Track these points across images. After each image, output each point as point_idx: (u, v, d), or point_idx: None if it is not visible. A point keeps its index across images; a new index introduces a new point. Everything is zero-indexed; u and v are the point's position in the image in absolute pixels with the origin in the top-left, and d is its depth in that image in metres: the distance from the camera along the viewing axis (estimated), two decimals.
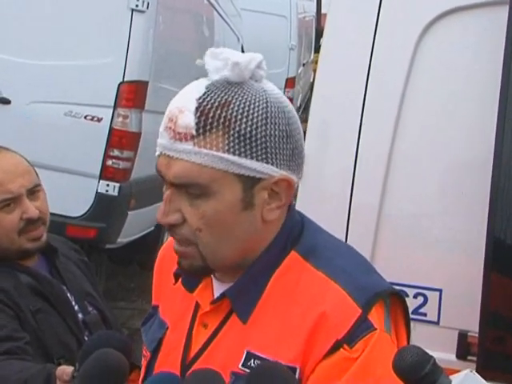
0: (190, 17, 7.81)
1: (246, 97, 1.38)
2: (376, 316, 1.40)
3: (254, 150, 1.37)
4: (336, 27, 2.99)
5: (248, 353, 1.42)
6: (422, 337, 2.70)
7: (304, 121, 3.35)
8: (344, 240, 2.73)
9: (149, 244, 7.08)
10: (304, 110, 14.60)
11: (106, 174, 5.82)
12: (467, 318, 2.61)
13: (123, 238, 6.23)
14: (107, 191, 5.82)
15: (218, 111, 1.36)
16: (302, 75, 15.01)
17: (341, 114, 2.90)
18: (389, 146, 2.80)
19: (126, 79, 5.78)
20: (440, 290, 2.69)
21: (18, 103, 5.82)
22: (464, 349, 2.65)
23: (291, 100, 13.46)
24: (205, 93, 1.38)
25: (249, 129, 1.36)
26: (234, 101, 1.37)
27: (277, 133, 1.39)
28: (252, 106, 1.37)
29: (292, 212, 1.53)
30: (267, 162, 1.38)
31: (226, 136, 1.36)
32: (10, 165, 2.25)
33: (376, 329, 1.38)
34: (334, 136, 2.90)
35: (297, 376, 1.37)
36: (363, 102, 2.83)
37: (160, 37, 6.20)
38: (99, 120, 5.81)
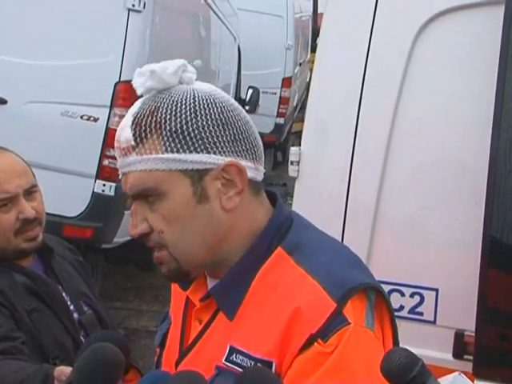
0: (186, 17, 7.81)
1: (173, 98, 1.45)
2: (352, 311, 1.41)
3: (190, 143, 1.43)
4: (332, 27, 2.99)
5: (231, 347, 1.45)
6: (418, 336, 2.71)
7: (301, 120, 3.34)
8: (340, 239, 2.73)
9: (145, 244, 7.08)
10: (301, 110, 14.61)
11: (102, 173, 5.81)
12: (464, 317, 2.61)
13: (119, 238, 6.22)
14: (103, 191, 5.81)
15: (149, 118, 1.44)
16: (298, 75, 15.00)
17: (337, 113, 2.90)
18: (385, 145, 2.80)
19: (122, 79, 5.77)
20: (436, 290, 2.70)
21: (15, 103, 5.81)
22: (460, 348, 2.65)
23: (287, 100, 13.46)
24: (139, 107, 1.47)
25: (179, 125, 1.43)
26: (162, 105, 1.44)
27: (210, 122, 1.44)
28: (179, 105, 1.44)
29: (279, 208, 1.55)
30: (208, 152, 1.44)
31: (161, 138, 1.43)
32: (7, 164, 2.25)
33: (350, 323, 1.39)
34: (331, 135, 2.90)
35: (273, 370, 1.40)
36: (360, 102, 2.83)
37: (157, 36, 6.19)
38: (95, 120, 5.80)
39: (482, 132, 2.60)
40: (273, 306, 1.44)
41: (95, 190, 5.81)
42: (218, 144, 1.45)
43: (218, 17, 9.07)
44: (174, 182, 1.44)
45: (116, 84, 5.76)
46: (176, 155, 1.43)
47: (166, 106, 1.44)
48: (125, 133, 1.46)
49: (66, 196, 5.65)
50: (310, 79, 3.14)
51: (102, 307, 2.43)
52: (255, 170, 1.50)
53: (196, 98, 1.46)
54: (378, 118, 2.84)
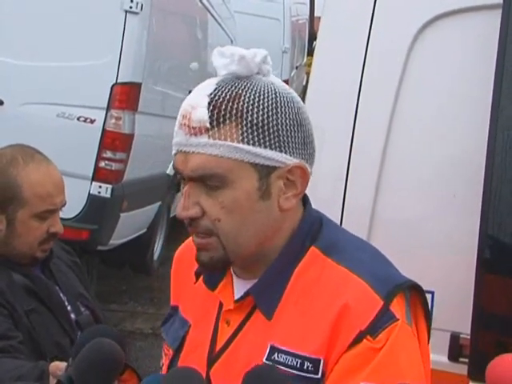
0: (183, 19, 7.82)
1: (255, 89, 1.43)
2: (398, 307, 1.43)
3: (267, 138, 1.42)
4: (330, 30, 2.99)
5: (272, 347, 1.45)
6: None
7: None
8: None
9: (141, 246, 7.08)
10: None
11: (98, 175, 5.82)
12: (459, 320, 2.61)
13: (115, 240, 6.23)
14: (100, 193, 5.82)
15: (230, 103, 1.41)
16: (295, 78, 15.02)
17: (334, 115, 2.90)
18: (381, 149, 2.81)
19: (119, 81, 5.79)
20: (432, 293, 2.69)
21: (11, 104, 5.82)
22: (456, 351, 2.65)
23: None
24: (215, 89, 1.44)
25: (260, 118, 1.42)
26: (244, 93, 1.43)
27: (288, 121, 1.44)
28: (262, 97, 1.43)
29: (309, 208, 1.57)
30: (280, 151, 1.43)
31: (240, 127, 1.41)
32: (58, 179, 2.33)
33: (398, 319, 1.41)
34: (327, 139, 2.91)
35: (321, 367, 1.41)
36: (357, 105, 2.84)
37: (153, 38, 6.20)
38: (92, 121, 5.81)
39: (480, 135, 2.60)
40: (316, 303, 1.45)
41: (91, 192, 5.82)
42: (290, 144, 1.45)
43: (215, 19, 9.09)
44: (243, 174, 1.43)
45: (113, 86, 5.77)
46: (251, 148, 1.42)
47: (248, 95, 1.42)
48: (199, 112, 1.42)
49: None
50: (307, 82, 3.15)
51: (98, 308, 2.44)
52: (310, 175, 1.50)
53: (277, 94, 1.45)
54: (375, 120, 2.84)
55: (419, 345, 1.49)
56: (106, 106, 5.79)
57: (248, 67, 1.44)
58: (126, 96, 5.85)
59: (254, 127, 1.41)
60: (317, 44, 3.06)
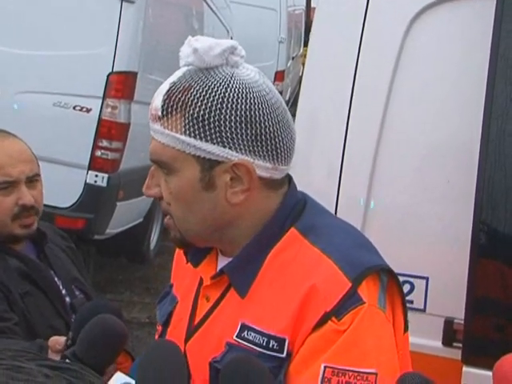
0: (179, 9, 7.81)
1: (207, 82, 1.44)
2: (367, 291, 1.43)
3: (208, 132, 1.43)
4: (325, 20, 3.00)
5: (242, 324, 1.47)
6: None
7: (293, 115, 3.34)
8: None
9: (137, 236, 7.09)
10: (293, 104, 14.62)
11: (94, 164, 5.83)
12: (453, 305, 2.63)
13: (112, 229, 6.23)
14: (96, 182, 5.83)
15: (180, 95, 1.44)
16: (291, 69, 15.01)
17: (329, 106, 2.91)
18: (376, 140, 2.81)
19: (115, 70, 5.78)
20: (426, 278, 2.71)
21: (7, 93, 5.82)
22: (450, 336, 2.67)
23: (280, 93, 13.43)
24: (178, 78, 1.47)
25: (202, 112, 1.42)
26: (195, 85, 1.44)
27: (233, 117, 1.43)
28: (210, 91, 1.43)
29: (292, 191, 1.57)
30: (223, 146, 1.44)
31: (183, 119, 1.44)
32: (14, 150, 2.29)
33: (364, 302, 1.41)
34: (322, 130, 2.92)
35: (286, 347, 1.42)
36: (351, 97, 2.84)
37: (149, 28, 6.20)
38: (88, 111, 5.81)
39: (474, 122, 2.62)
40: (287, 283, 1.46)
41: (87, 181, 5.83)
42: (235, 140, 1.44)
43: (211, 9, 9.08)
44: (186, 164, 1.46)
45: (109, 75, 5.77)
46: (192, 140, 1.44)
47: (197, 87, 1.44)
48: (157, 100, 1.47)
49: (58, 187, 5.65)
50: (303, 73, 3.16)
51: (93, 292, 2.45)
52: (273, 170, 1.49)
53: (229, 88, 1.44)
54: (369, 111, 2.85)
55: (394, 331, 1.48)
56: (102, 95, 5.79)
57: (201, 60, 1.44)
58: (122, 85, 5.85)
59: (195, 120, 1.43)
60: (311, 34, 3.07)
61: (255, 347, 1.44)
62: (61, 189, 5.66)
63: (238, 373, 1.26)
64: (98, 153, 5.82)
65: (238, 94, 1.44)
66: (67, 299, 2.31)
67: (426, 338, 2.69)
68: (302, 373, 1.41)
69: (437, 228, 2.73)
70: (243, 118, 1.43)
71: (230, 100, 1.43)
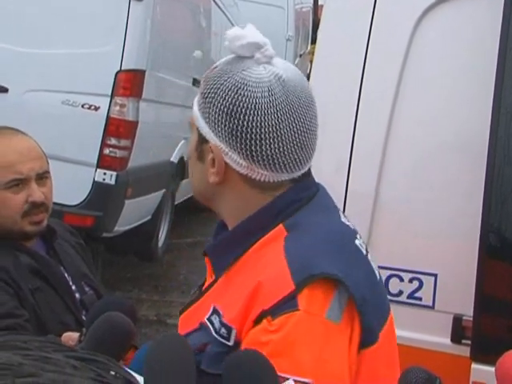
0: (187, 7, 7.82)
1: (223, 67, 1.55)
2: (307, 298, 1.41)
3: (204, 111, 1.55)
4: (332, 18, 3.00)
5: (214, 308, 1.52)
6: (417, 321, 2.73)
7: None
8: None
9: (145, 233, 7.10)
10: None
11: (103, 162, 5.84)
12: (462, 302, 2.63)
13: (120, 227, 6.25)
14: (104, 180, 5.84)
15: (209, 70, 1.59)
16: (299, 66, 14.98)
17: (336, 104, 2.91)
18: (384, 136, 2.82)
19: (123, 68, 5.79)
20: (435, 275, 2.71)
21: (16, 92, 5.83)
22: (458, 333, 2.67)
23: None
24: (224, 59, 1.60)
25: (205, 91, 1.55)
26: (218, 66, 1.57)
27: (220, 106, 1.52)
28: (218, 75, 1.54)
29: (289, 191, 1.56)
30: (209, 128, 1.54)
31: (200, 90, 1.59)
32: (23, 147, 2.30)
33: (299, 310, 1.40)
34: (330, 127, 2.92)
35: (233, 336, 1.46)
36: (359, 93, 2.85)
37: (157, 26, 6.21)
38: (96, 109, 5.82)
39: (482, 120, 2.61)
40: (250, 275, 1.49)
41: (96, 179, 5.84)
42: (216, 126, 1.52)
43: (219, 7, 9.08)
44: (194, 130, 1.61)
45: (117, 73, 5.78)
46: (197, 111, 1.57)
47: (217, 69, 1.56)
48: None
49: (67, 184, 5.65)
50: (311, 70, 3.16)
51: (102, 288, 2.46)
52: (248, 170, 1.51)
53: (229, 78, 1.52)
54: (377, 107, 2.85)
55: (349, 345, 1.45)
56: (110, 93, 5.80)
57: (229, 47, 1.55)
58: (130, 83, 5.86)
59: (201, 96, 1.56)
60: (319, 30, 3.07)
61: (212, 331, 1.49)
62: (69, 187, 5.67)
63: (241, 366, 1.27)
64: (107, 151, 5.83)
65: (231, 88, 1.51)
66: (77, 295, 2.32)
67: (434, 334, 2.69)
68: None
69: (445, 225, 2.73)
70: (226, 109, 1.50)
71: (223, 89, 1.51)
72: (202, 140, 1.56)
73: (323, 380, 1.38)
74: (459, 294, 2.65)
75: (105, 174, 5.83)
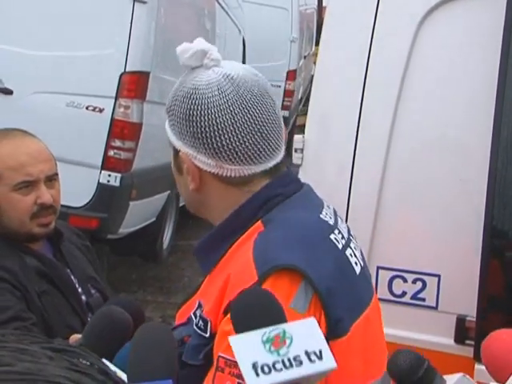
0: (191, 9, 7.82)
1: (180, 79, 1.66)
2: (270, 288, 1.39)
3: (170, 123, 1.65)
4: (335, 19, 3.01)
5: (199, 302, 1.59)
6: (420, 321, 2.73)
7: (305, 113, 3.34)
8: None
9: (150, 235, 7.11)
10: (305, 103, 14.59)
11: (107, 164, 5.84)
12: (465, 302, 2.64)
13: (125, 229, 6.25)
14: (109, 182, 5.84)
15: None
16: (303, 68, 14.99)
17: (340, 106, 2.92)
18: (388, 135, 2.82)
19: (127, 70, 5.80)
20: (438, 276, 2.72)
21: (20, 94, 5.84)
22: (462, 333, 2.67)
23: (292, 92, 13.45)
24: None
25: (168, 104, 1.65)
26: (175, 85, 1.67)
27: (180, 114, 1.61)
28: (176, 87, 1.65)
29: (267, 187, 1.62)
30: (177, 137, 1.63)
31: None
32: (33, 150, 2.31)
33: None
34: (333, 128, 2.93)
35: (209, 328, 1.52)
36: (362, 95, 2.85)
37: (162, 28, 6.21)
38: (101, 111, 5.82)
39: (486, 119, 2.62)
40: (224, 270, 1.56)
41: (100, 181, 5.84)
42: (181, 134, 1.61)
43: (223, 9, 9.09)
44: (170, 146, 1.68)
45: (121, 75, 5.79)
46: (167, 126, 1.67)
47: (175, 86, 1.65)
48: None
49: (72, 186, 5.60)
50: (315, 72, 3.17)
51: (108, 291, 2.46)
52: (217, 168, 1.59)
53: (183, 87, 1.62)
54: (380, 108, 2.86)
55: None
56: (114, 95, 5.80)
57: (181, 60, 1.64)
58: (134, 85, 5.87)
59: (166, 110, 1.65)
60: (323, 31, 3.08)
61: (195, 325, 1.55)
62: (74, 188, 5.65)
63: (249, 301, 1.27)
64: (111, 152, 5.84)
65: (186, 94, 1.60)
66: (83, 298, 2.33)
67: (438, 335, 2.70)
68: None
69: (448, 225, 2.74)
70: (185, 116, 1.59)
71: (179, 98, 1.61)
72: (176, 152, 1.64)
73: None
74: (462, 294, 2.66)
75: (109, 175, 5.84)
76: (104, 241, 6.22)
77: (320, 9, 17.09)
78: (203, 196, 1.65)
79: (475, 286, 2.55)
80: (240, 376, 1.36)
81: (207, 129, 1.57)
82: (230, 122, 1.57)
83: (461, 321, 2.68)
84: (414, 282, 2.75)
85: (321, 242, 1.59)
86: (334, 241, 1.61)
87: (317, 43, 16.39)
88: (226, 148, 1.57)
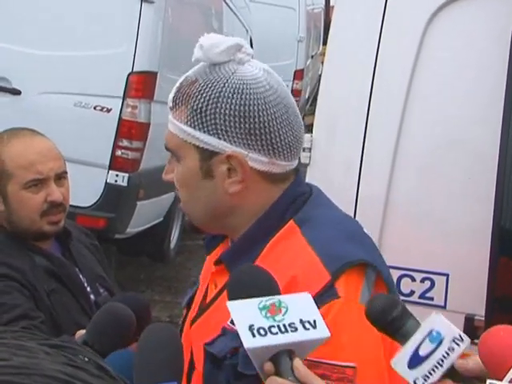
0: (199, 9, 7.82)
1: (210, 77, 1.54)
2: (345, 285, 1.45)
3: (206, 124, 1.52)
4: (343, 19, 3.01)
5: None
6: None
7: (312, 113, 3.33)
8: None
9: (158, 235, 7.11)
10: (312, 102, 14.59)
11: (115, 164, 5.85)
12: (474, 302, 2.63)
13: (132, 229, 6.26)
14: (116, 181, 5.84)
15: (186, 88, 1.56)
16: (310, 67, 14.99)
17: (348, 105, 2.92)
18: (395, 135, 2.82)
19: (135, 70, 5.80)
20: (447, 275, 2.71)
21: (28, 94, 5.85)
22: (470, 333, 2.64)
23: (299, 92, 13.44)
24: (191, 72, 1.58)
25: (201, 105, 1.52)
26: (199, 79, 1.55)
27: (227, 111, 1.51)
28: (210, 85, 1.53)
29: (294, 185, 1.61)
30: (219, 138, 1.53)
31: (186, 110, 1.55)
32: (43, 148, 2.33)
33: (339, 297, 1.44)
34: (341, 127, 2.93)
35: None
36: (370, 94, 2.85)
37: (169, 28, 6.21)
38: (108, 110, 5.83)
39: (495, 120, 2.61)
40: (275, 273, 1.47)
41: (108, 181, 5.85)
42: (229, 133, 1.52)
43: (231, 9, 9.08)
44: (188, 153, 1.56)
45: (129, 75, 5.79)
46: (192, 130, 1.54)
47: (201, 82, 1.54)
48: (172, 92, 1.60)
49: (79, 186, 5.61)
50: (322, 71, 3.17)
51: (117, 290, 2.47)
52: (270, 165, 1.55)
53: (227, 83, 1.52)
54: (388, 107, 2.85)
55: None
56: (122, 95, 5.81)
57: (206, 56, 1.54)
58: (141, 85, 5.87)
59: (195, 112, 1.53)
60: (330, 30, 3.08)
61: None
62: (81, 188, 5.65)
63: (245, 275, 1.31)
64: (119, 152, 5.84)
65: (234, 90, 1.52)
66: (92, 297, 2.34)
67: None
68: None
69: (457, 224, 2.73)
70: (237, 112, 1.51)
71: (226, 95, 1.51)
72: (207, 156, 1.54)
73: (364, 363, 1.42)
74: (471, 293, 2.65)
75: (117, 175, 5.84)
76: (111, 241, 6.22)
77: (327, 8, 17.10)
78: (238, 199, 1.57)
79: (484, 285, 2.54)
80: (325, 376, 1.38)
81: (266, 124, 1.52)
82: (285, 117, 1.55)
83: (469, 320, 2.67)
84: (423, 281, 2.75)
85: (365, 236, 1.61)
86: (368, 234, 1.64)
87: (324, 43, 16.38)
88: (281, 143, 1.54)
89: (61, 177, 2.35)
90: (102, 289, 2.39)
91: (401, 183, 2.81)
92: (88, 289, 2.34)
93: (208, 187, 1.57)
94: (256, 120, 1.52)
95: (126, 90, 5.79)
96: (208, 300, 1.64)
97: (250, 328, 1.14)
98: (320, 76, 3.33)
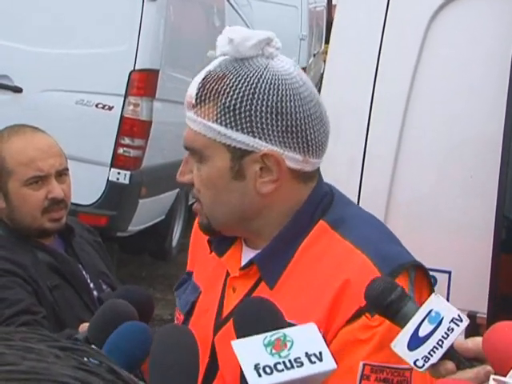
0: (201, 6, 7.82)
1: (240, 72, 1.46)
2: None
3: (239, 122, 1.45)
4: (345, 17, 3.01)
5: None
6: None
7: None
8: None
9: (159, 233, 7.11)
10: None
11: (117, 162, 5.85)
12: (476, 299, 2.63)
13: (134, 227, 6.26)
14: (118, 179, 5.85)
15: (213, 84, 1.47)
16: (312, 66, 14.99)
17: (350, 102, 2.92)
18: (398, 132, 2.82)
19: (137, 68, 5.80)
20: (449, 272, 2.71)
21: (30, 92, 5.85)
22: (473, 330, 2.65)
23: None
24: (214, 67, 1.49)
25: (234, 102, 1.45)
26: (228, 75, 1.46)
27: (264, 108, 1.45)
28: (242, 81, 1.45)
29: (319, 184, 1.57)
30: (254, 136, 1.46)
31: (215, 107, 1.47)
32: (43, 144, 2.32)
33: None
34: (344, 124, 2.92)
35: None
36: (372, 92, 2.85)
37: (171, 26, 6.22)
38: (110, 108, 5.83)
39: (497, 117, 2.61)
40: (319, 277, 1.47)
41: (110, 179, 5.85)
42: (265, 131, 1.46)
43: (232, 6, 9.08)
44: (217, 152, 1.48)
45: (131, 73, 5.79)
46: (223, 129, 1.46)
47: (231, 77, 1.46)
48: (192, 87, 1.50)
49: (81, 184, 5.62)
50: (325, 70, 3.16)
51: (120, 286, 2.47)
52: (303, 163, 1.50)
53: (261, 79, 1.46)
54: (391, 103, 2.85)
55: None
56: (124, 92, 5.81)
57: (236, 50, 1.46)
58: (143, 83, 5.87)
59: (227, 109, 1.45)
60: (333, 29, 3.07)
61: None
62: (83, 186, 5.63)
63: (250, 310, 1.28)
64: (121, 150, 5.84)
65: (270, 85, 1.45)
66: (95, 293, 2.34)
67: None
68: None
69: (459, 222, 2.73)
70: (274, 109, 1.45)
71: (261, 91, 1.45)
72: (239, 155, 1.47)
73: None
74: (473, 291, 2.65)
75: (119, 173, 5.84)
76: (113, 238, 6.22)
77: (329, 6, 17.08)
78: (269, 200, 1.51)
79: (486, 282, 2.54)
80: (387, 380, 1.37)
81: (301, 121, 1.47)
82: (318, 114, 1.50)
83: (471, 317, 2.66)
84: None
85: (394, 234, 1.60)
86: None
87: (326, 41, 16.38)
88: (315, 141, 1.49)
89: (62, 174, 2.34)
90: (104, 285, 2.39)
91: (403, 181, 2.81)
92: (91, 285, 2.34)
93: (238, 188, 1.50)
94: (293, 117, 1.47)
95: (128, 87, 5.80)
96: (230, 306, 1.56)
97: (256, 367, 1.13)
98: (322, 74, 3.32)
